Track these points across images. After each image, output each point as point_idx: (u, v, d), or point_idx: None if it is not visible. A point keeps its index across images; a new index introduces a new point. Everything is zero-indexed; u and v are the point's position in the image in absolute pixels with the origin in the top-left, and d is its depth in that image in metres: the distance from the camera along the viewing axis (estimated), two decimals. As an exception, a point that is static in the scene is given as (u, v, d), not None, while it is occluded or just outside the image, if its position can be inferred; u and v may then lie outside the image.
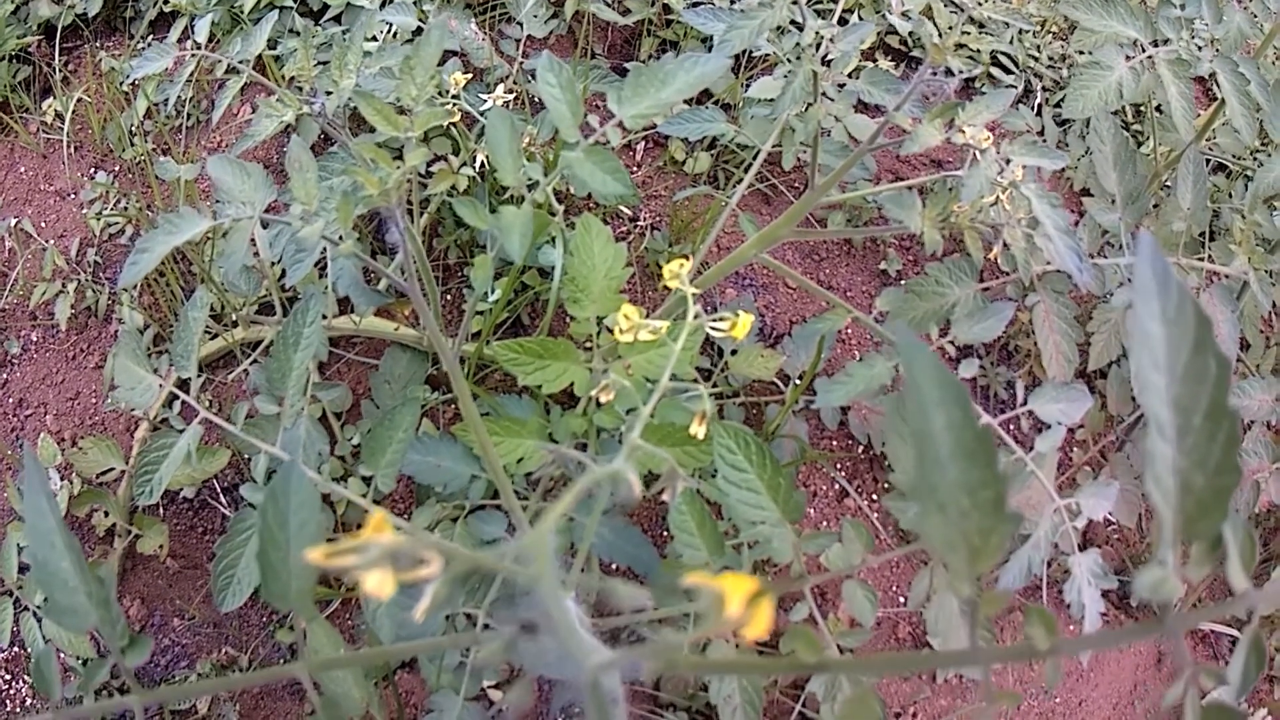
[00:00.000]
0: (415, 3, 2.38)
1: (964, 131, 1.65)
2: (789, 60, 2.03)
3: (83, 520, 2.26)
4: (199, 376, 1.87)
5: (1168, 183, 2.40)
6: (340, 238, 1.49)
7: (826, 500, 2.21)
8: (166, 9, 2.65)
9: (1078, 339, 2.00)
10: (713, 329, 1.50)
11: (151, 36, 2.73)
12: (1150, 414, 0.75)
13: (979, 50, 2.58)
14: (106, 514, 2.23)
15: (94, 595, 1.14)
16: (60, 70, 2.74)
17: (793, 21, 1.79)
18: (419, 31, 2.10)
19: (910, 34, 2.53)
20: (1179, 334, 0.75)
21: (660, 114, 1.50)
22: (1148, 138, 2.63)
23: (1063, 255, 1.66)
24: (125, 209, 2.51)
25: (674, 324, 1.48)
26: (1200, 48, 1.99)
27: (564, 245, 1.93)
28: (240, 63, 1.99)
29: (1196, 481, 0.74)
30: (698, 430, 1.47)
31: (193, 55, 2.04)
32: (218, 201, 2.10)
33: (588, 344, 2.00)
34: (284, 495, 1.14)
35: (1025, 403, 1.81)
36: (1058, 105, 2.60)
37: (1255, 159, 2.63)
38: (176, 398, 1.86)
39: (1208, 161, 2.66)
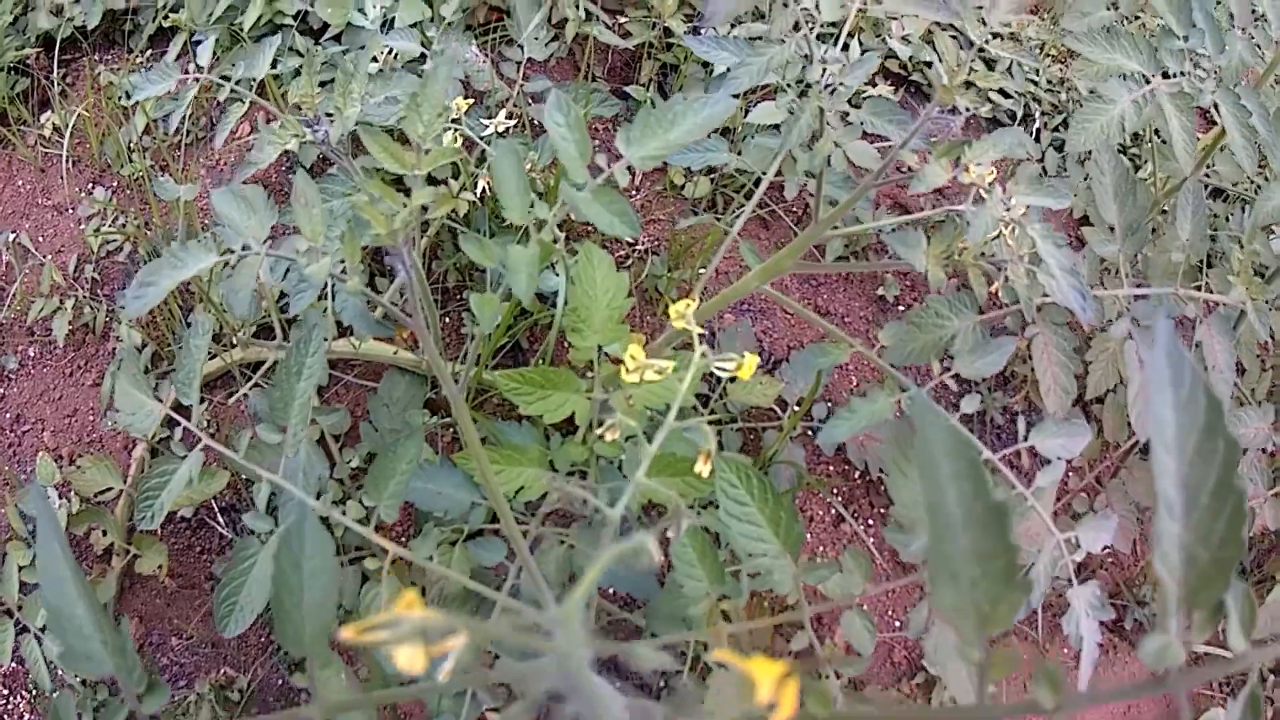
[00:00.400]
0: (415, 25, 2.38)
1: (970, 170, 1.66)
2: (790, 86, 2.03)
3: (81, 538, 2.26)
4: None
5: (1165, 208, 2.40)
6: (343, 266, 1.50)
7: (823, 526, 2.22)
8: (166, 24, 2.64)
9: (1076, 370, 2.01)
10: (719, 369, 1.51)
11: (151, 51, 2.73)
12: (1160, 494, 0.77)
13: (976, 74, 2.59)
14: (105, 533, 2.23)
15: (110, 643, 1.14)
16: (59, 83, 2.73)
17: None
18: (422, 58, 2.10)
19: (910, 59, 2.54)
20: (1190, 419, 0.78)
21: (669, 155, 1.51)
22: (1145, 161, 2.64)
23: (1068, 295, 1.67)
24: (124, 226, 2.50)
25: (679, 362, 1.48)
26: (1203, 79, 2.00)
27: (566, 273, 1.93)
28: (242, 84, 1.99)
29: (1201, 556, 0.76)
30: (703, 468, 1.48)
31: (195, 79, 2.04)
32: (218, 225, 2.10)
33: (587, 371, 2.00)
34: (297, 542, 1.14)
35: (1026, 438, 1.82)
36: (1056, 130, 2.62)
37: (1253, 184, 2.64)
38: (177, 422, 1.86)
39: (1205, 186, 2.67)
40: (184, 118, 2.53)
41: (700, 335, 1.40)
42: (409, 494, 1.90)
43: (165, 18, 2.65)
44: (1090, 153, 2.03)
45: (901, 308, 2.40)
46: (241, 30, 2.48)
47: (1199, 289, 2.13)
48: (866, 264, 2.32)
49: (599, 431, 1.53)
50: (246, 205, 1.61)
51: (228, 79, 2.04)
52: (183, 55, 2.63)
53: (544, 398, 1.87)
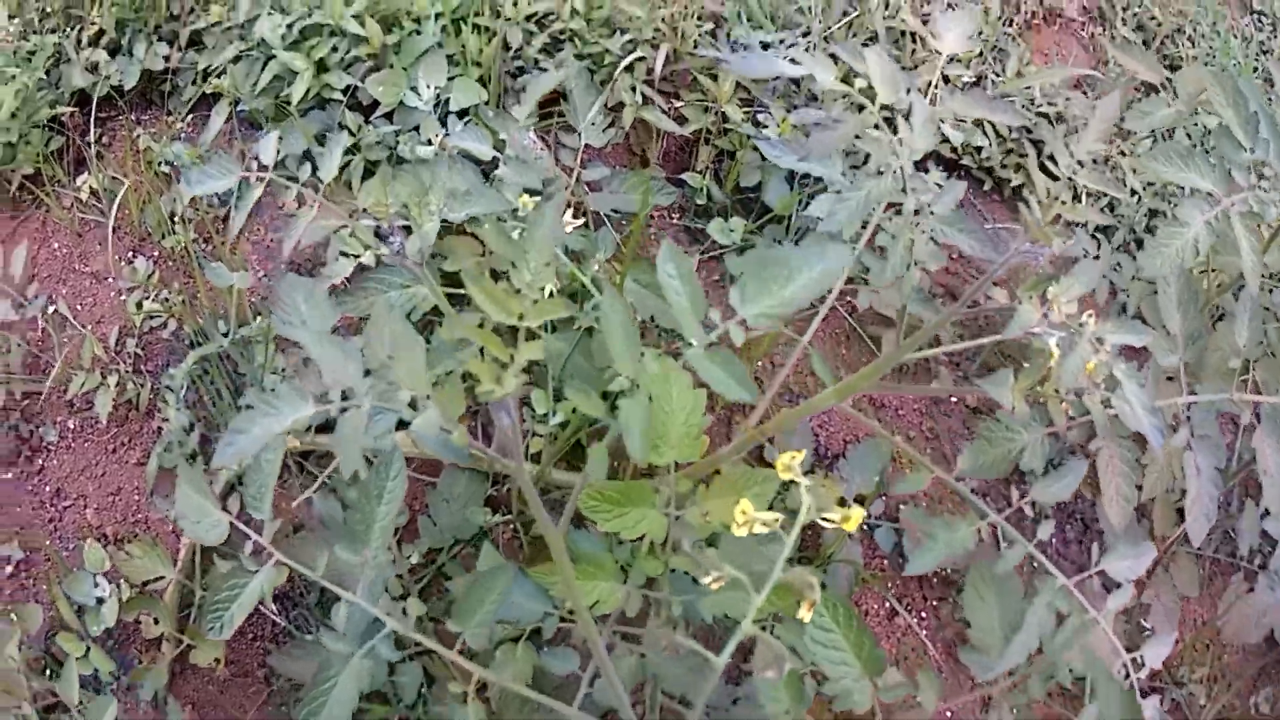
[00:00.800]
0: (470, 111, 2.35)
1: (1058, 307, 1.67)
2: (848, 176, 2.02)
3: (130, 623, 2.25)
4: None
5: (1217, 301, 2.43)
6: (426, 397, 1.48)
7: (878, 619, 2.24)
8: (208, 91, 2.60)
9: (1136, 480, 2.04)
10: (824, 520, 1.52)
11: (192, 116, 2.69)
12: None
13: (1025, 156, 2.60)
14: (156, 621, 2.21)
15: None
16: (95, 143, 2.69)
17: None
18: (495, 162, 2.07)
19: (962, 144, 2.55)
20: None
21: (785, 312, 1.50)
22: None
23: (1149, 431, 1.69)
24: (167, 301, 2.47)
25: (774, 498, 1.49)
26: (1266, 189, 2.02)
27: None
28: (269, 165, 1.96)
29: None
30: (805, 614, 1.51)
31: (259, 177, 2.01)
32: (276, 316, 2.07)
33: (653, 472, 2.01)
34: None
35: (1098, 562, 1.85)
36: (1101, 210, 2.62)
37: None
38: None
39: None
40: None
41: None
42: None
43: (206, 81, 2.61)
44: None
45: (953, 400, 2.41)
46: (289, 104, 2.44)
47: (1245, 383, 2.16)
48: (945, 389, 2.34)
49: (705, 581, 1.54)
50: (341, 352, 1.57)
51: (290, 176, 2.01)
52: (228, 123, 2.59)
53: (621, 515, 1.87)
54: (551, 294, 2.21)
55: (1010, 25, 2.88)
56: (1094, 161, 1.83)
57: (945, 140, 2.57)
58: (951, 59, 2.47)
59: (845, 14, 2.62)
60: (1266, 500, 2.09)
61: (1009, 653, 1.78)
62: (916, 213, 1.82)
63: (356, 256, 1.89)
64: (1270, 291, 2.66)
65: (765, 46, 2.52)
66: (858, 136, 1.76)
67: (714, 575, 1.53)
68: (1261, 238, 1.99)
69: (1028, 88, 2.63)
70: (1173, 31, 3.07)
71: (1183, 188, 2.34)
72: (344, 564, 1.82)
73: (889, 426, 2.36)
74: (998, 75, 2.69)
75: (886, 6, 2.68)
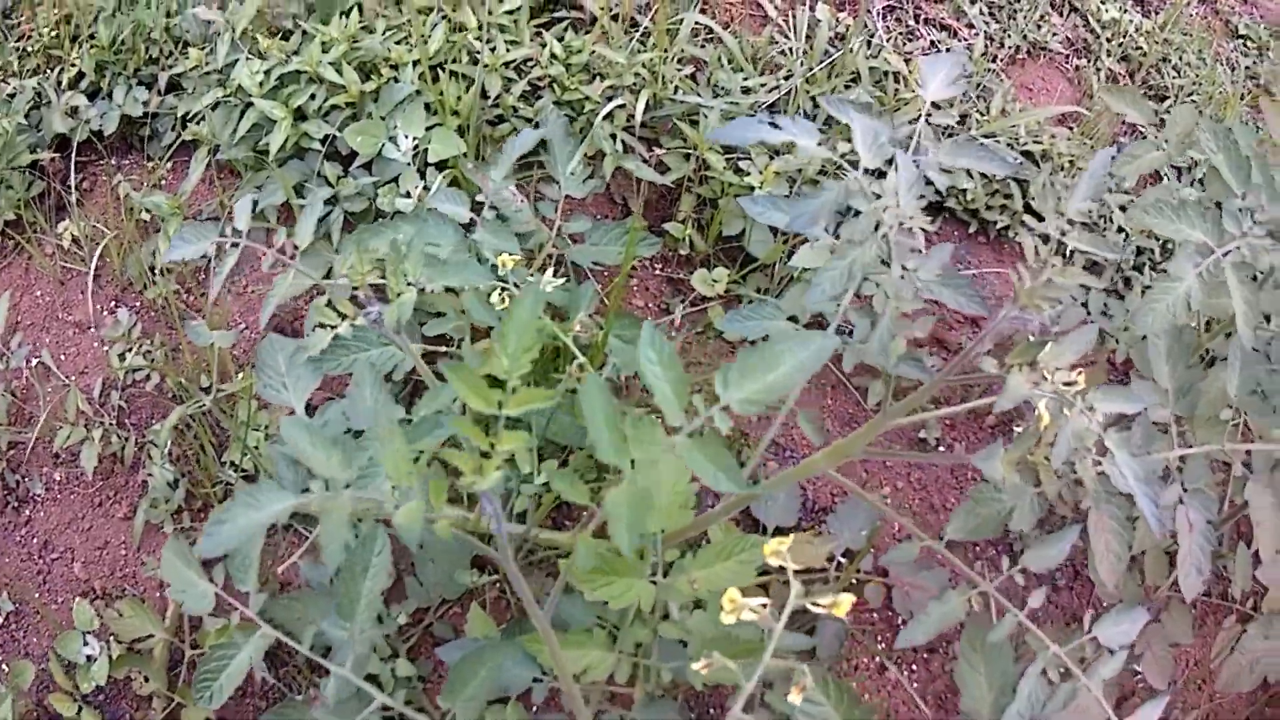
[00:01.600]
0: (444, 164, 2.32)
1: (1049, 378, 1.65)
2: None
3: (121, 681, 2.24)
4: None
5: (1209, 347, 2.42)
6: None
7: (868, 673, 2.23)
8: (187, 137, 2.57)
9: (1128, 538, 2.02)
10: (815, 606, 1.51)
11: (171, 163, 2.66)
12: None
13: (1010, 197, 2.58)
14: (146, 679, 2.20)
15: None
16: (75, 189, 2.66)
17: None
18: (471, 224, 2.05)
19: (948, 188, 2.52)
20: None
21: (770, 398, 1.48)
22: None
23: (1142, 503, 1.67)
24: (149, 353, 2.45)
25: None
26: (1260, 235, 2.00)
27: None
28: (283, 253, 1.94)
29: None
30: (796, 698, 1.50)
31: (234, 243, 1.97)
32: (258, 379, 2.04)
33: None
34: None
35: (1090, 630, 1.84)
36: (1086, 253, 2.60)
37: None
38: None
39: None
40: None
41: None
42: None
43: (185, 127, 2.59)
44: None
45: (942, 448, 2.40)
46: (267, 153, 2.41)
47: (1235, 427, 2.15)
48: (939, 455, 2.32)
49: (695, 666, 1.53)
50: (326, 444, 1.55)
51: (270, 229, 1.98)
52: (208, 170, 2.56)
53: (609, 584, 1.86)
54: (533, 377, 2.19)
55: (995, 61, 2.85)
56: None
57: (929, 183, 2.56)
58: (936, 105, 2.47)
59: (827, 54, 2.59)
60: (1259, 547, 2.08)
61: (1002, 723, 1.77)
62: (902, 276, 1.80)
63: (333, 327, 1.86)
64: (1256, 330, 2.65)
65: (746, 91, 2.50)
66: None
67: (704, 661, 1.52)
68: (1254, 287, 1.97)
69: (1013, 126, 2.61)
70: (1158, 61, 3.05)
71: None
72: (332, 636, 1.82)
73: (877, 477, 2.35)
74: (982, 115, 2.67)
75: (868, 47, 2.66)
